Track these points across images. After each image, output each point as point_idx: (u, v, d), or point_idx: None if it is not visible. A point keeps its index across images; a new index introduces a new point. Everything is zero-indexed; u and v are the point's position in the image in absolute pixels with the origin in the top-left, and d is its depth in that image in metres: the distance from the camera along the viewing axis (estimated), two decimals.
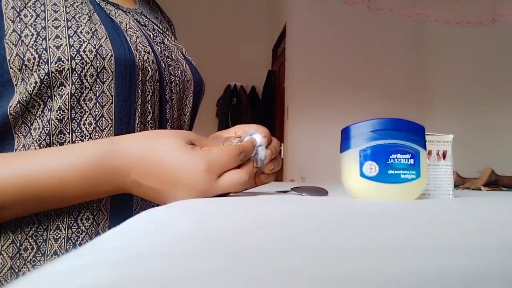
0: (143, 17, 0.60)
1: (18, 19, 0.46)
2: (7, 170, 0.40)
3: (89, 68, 0.46)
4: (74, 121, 0.47)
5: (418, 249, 0.17)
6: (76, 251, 0.16)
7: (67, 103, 0.46)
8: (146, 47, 0.53)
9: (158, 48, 0.57)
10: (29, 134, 0.46)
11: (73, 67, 0.45)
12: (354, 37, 3.33)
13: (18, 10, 0.47)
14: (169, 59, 0.58)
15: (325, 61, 3.30)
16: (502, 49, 3.21)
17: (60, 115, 0.46)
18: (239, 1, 4.40)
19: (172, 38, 0.64)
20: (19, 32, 0.46)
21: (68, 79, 0.45)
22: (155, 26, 0.61)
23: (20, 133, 0.47)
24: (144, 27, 0.58)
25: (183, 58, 0.62)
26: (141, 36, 0.54)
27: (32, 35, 0.46)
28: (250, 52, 4.39)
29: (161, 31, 0.62)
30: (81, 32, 0.47)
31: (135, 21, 0.57)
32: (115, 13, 0.54)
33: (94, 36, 0.47)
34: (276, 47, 4.28)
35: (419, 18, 2.65)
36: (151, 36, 0.58)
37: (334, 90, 3.27)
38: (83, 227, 0.47)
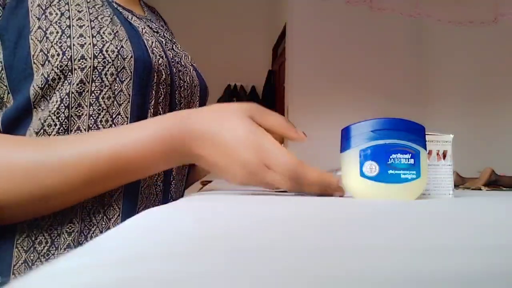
0: (154, 24, 0.63)
1: (43, 16, 0.48)
2: (75, 149, 0.42)
3: (110, 67, 0.48)
4: (91, 118, 0.48)
5: (418, 249, 0.17)
6: (76, 251, 0.16)
7: (86, 100, 0.48)
8: (160, 51, 0.56)
9: (170, 54, 0.59)
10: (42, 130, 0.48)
11: (95, 65, 0.47)
12: (355, 37, 3.33)
13: (43, 8, 0.48)
14: (179, 64, 0.61)
15: (326, 61, 3.30)
16: (504, 49, 3.20)
17: (79, 111, 0.48)
18: (239, 1, 4.40)
19: (179, 46, 0.67)
20: (44, 29, 0.47)
21: (89, 76, 0.47)
22: (164, 33, 0.64)
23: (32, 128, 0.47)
24: (156, 34, 0.61)
25: (190, 64, 0.65)
26: (155, 41, 0.56)
27: (57, 32, 0.47)
28: (250, 52, 4.38)
29: (169, 38, 0.64)
30: (103, 33, 0.49)
31: (148, 27, 0.60)
32: (131, 18, 0.56)
33: (116, 37, 0.49)
34: (276, 47, 4.27)
35: (421, 18, 2.64)
36: (163, 42, 0.61)
37: (334, 90, 3.26)
38: (94, 221, 0.48)
